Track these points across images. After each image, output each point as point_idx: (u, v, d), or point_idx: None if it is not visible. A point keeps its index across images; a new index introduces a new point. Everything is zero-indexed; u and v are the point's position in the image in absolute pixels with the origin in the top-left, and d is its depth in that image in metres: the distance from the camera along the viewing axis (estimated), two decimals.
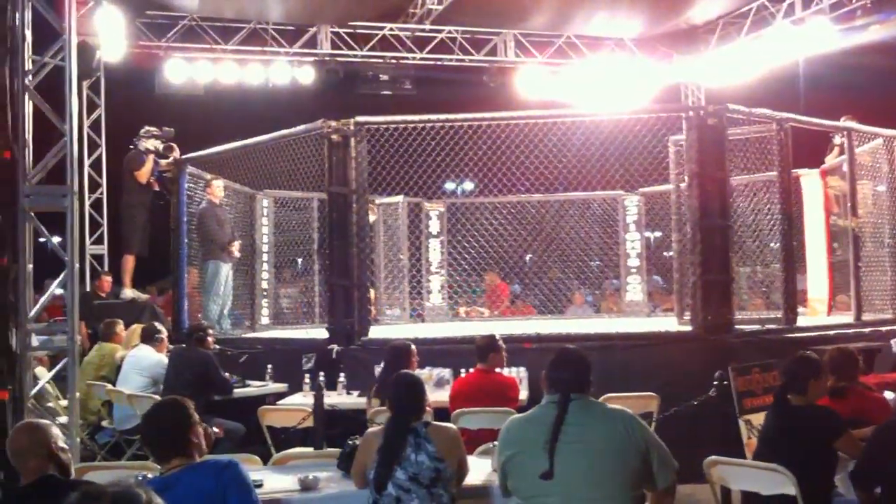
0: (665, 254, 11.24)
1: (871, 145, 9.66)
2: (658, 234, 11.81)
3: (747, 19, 13.42)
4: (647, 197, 11.52)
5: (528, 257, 12.15)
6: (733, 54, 13.71)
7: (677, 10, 13.50)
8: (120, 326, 8.94)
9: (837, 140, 9.76)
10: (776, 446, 4.60)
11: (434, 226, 11.59)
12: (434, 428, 4.17)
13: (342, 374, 7.40)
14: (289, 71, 13.90)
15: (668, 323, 9.12)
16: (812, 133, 9.56)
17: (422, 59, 14.21)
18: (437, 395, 6.57)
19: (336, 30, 13.99)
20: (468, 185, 14.32)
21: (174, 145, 10.70)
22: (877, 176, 9.65)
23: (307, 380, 7.46)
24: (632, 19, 13.91)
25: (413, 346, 6.45)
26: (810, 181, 10.09)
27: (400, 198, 10.89)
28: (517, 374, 6.99)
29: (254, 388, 7.83)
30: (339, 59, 14.07)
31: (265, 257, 10.68)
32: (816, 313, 9.88)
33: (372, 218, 10.39)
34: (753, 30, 13.34)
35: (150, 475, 3.97)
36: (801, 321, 8.47)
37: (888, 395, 6.23)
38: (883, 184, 9.68)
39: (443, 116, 8.80)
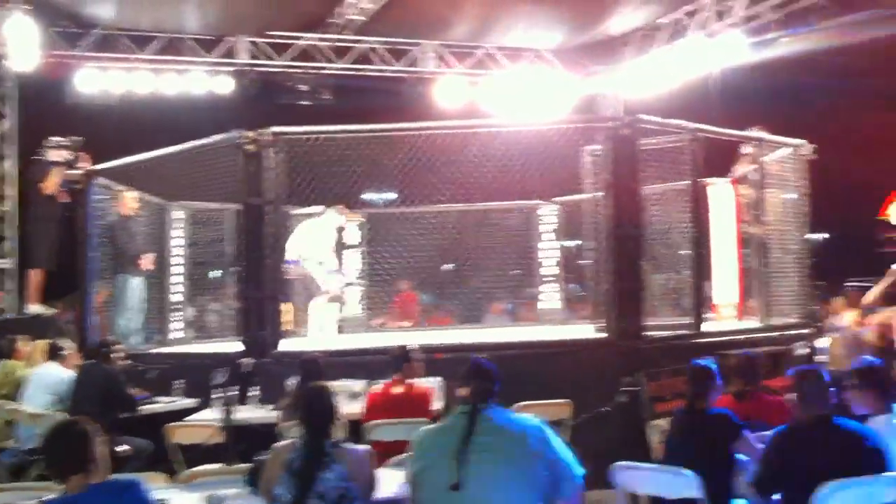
0: (581, 262, 11.37)
1: (779, 155, 9.93)
2: (576, 242, 11.95)
3: (663, 31, 13.68)
4: (563, 206, 11.64)
5: (447, 267, 12.18)
6: (649, 66, 13.96)
7: (594, 21, 13.70)
8: (21, 343, 8.65)
9: (747, 150, 9.99)
10: (680, 450, 4.69)
11: (353, 236, 11.51)
12: (343, 450, 4.10)
13: (255, 388, 7.29)
14: (206, 81, 13.71)
15: (583, 330, 9.22)
16: (725, 143, 9.80)
17: (342, 69, 14.14)
18: (352, 408, 6.50)
19: (255, 39, 13.86)
20: (390, 196, 14.33)
21: (86, 155, 10.42)
22: (784, 184, 9.93)
23: (217, 395, 7.32)
24: (550, 31, 14.09)
25: (324, 359, 6.40)
26: (721, 190, 10.32)
27: (322, 209, 10.79)
28: (432, 384, 6.97)
29: (161, 404, 7.67)
30: (257, 69, 13.93)
31: (177, 270, 10.47)
32: (725, 318, 10.10)
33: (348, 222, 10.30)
34: (669, 42, 13.60)
35: (50, 496, 3.85)
36: (711, 326, 8.66)
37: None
38: (790, 192, 9.96)
39: (362, 126, 8.79)
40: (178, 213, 10.55)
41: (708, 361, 5.07)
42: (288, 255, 9.34)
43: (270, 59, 13.94)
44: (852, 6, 11.31)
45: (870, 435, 4.17)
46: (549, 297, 11.81)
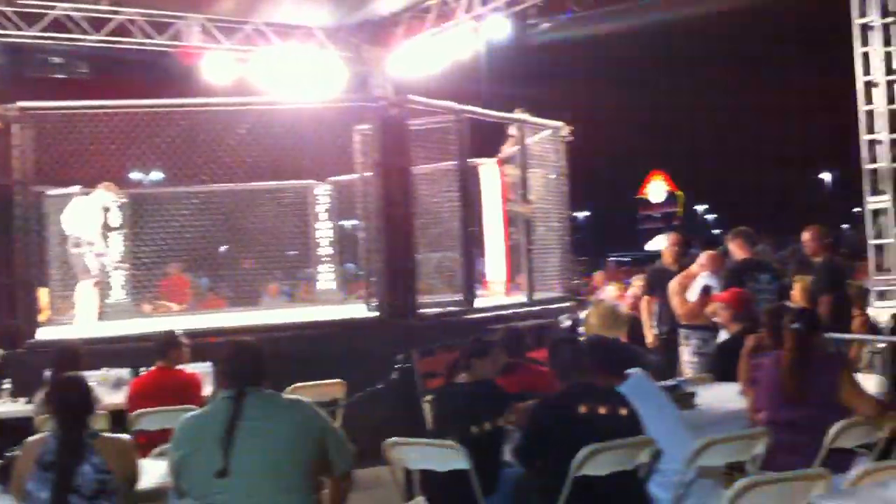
0: (356, 242, 11.40)
1: (541, 136, 10.37)
2: (352, 222, 11.97)
3: (431, 13, 13.88)
4: (337, 186, 11.61)
5: (221, 249, 11.85)
6: (419, 47, 14.14)
7: (364, 1, 13.70)
8: None
9: (512, 131, 10.35)
10: (448, 423, 4.80)
11: (114, 218, 10.93)
12: (102, 439, 3.92)
13: (6, 381, 6.81)
14: None
15: (358, 310, 9.26)
16: (492, 124, 10.11)
17: (99, 41, 13.33)
18: (115, 398, 6.26)
19: (1, 8, 12.80)
20: (157, 175, 13.74)
21: None
22: (546, 165, 10.38)
23: None
24: (321, 8, 13.95)
25: (82, 347, 6.07)
26: (489, 170, 10.64)
27: (75, 188, 10.18)
28: (202, 370, 6.76)
29: None
30: (4, 38, 12.89)
31: None
32: (496, 294, 10.46)
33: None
34: (437, 23, 13.81)
35: None
36: (480, 302, 8.93)
37: None
38: (552, 172, 10.43)
39: (120, 102, 8.38)
40: None
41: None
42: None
43: (20, 28, 12.93)
44: None
45: (623, 401, 4.42)
46: (326, 277, 11.77)
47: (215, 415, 3.59)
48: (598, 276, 13.96)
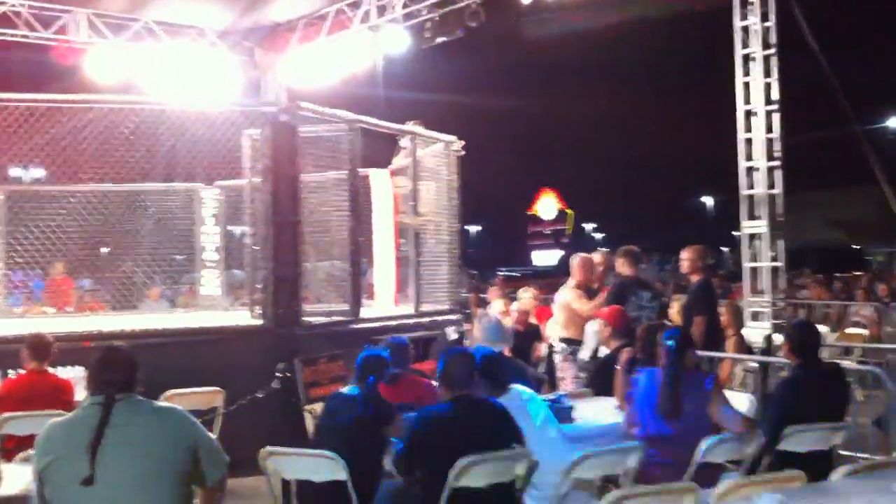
0: (243, 248, 11.21)
1: (433, 149, 10.42)
2: (243, 228, 11.75)
3: (327, 21, 13.80)
4: (226, 190, 11.39)
5: (102, 250, 11.47)
6: (314, 55, 14.04)
7: (259, 6, 13.52)
8: None
9: (404, 143, 10.36)
10: (329, 433, 4.77)
11: None
12: None
13: None
14: None
15: (242, 317, 9.10)
16: (384, 134, 10.09)
17: None
18: None
19: None
20: (38, 172, 13.21)
21: None
22: (438, 178, 10.43)
23: None
24: (213, 9, 13.68)
25: None
26: (380, 180, 10.62)
27: None
28: (75, 374, 6.54)
29: None
30: None
31: None
32: (384, 305, 10.43)
33: None
34: (333, 32, 13.74)
35: None
36: (368, 313, 8.91)
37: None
38: (443, 185, 10.48)
39: (1, 95, 8.07)
40: None
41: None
42: None
43: None
44: (501, 13, 12.09)
45: (504, 412, 4.47)
46: (211, 283, 11.53)
47: (83, 421, 3.47)
48: (491, 291, 14.08)
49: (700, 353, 6.40)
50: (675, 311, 8.75)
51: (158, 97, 11.69)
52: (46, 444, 3.52)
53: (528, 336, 9.45)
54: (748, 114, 10.74)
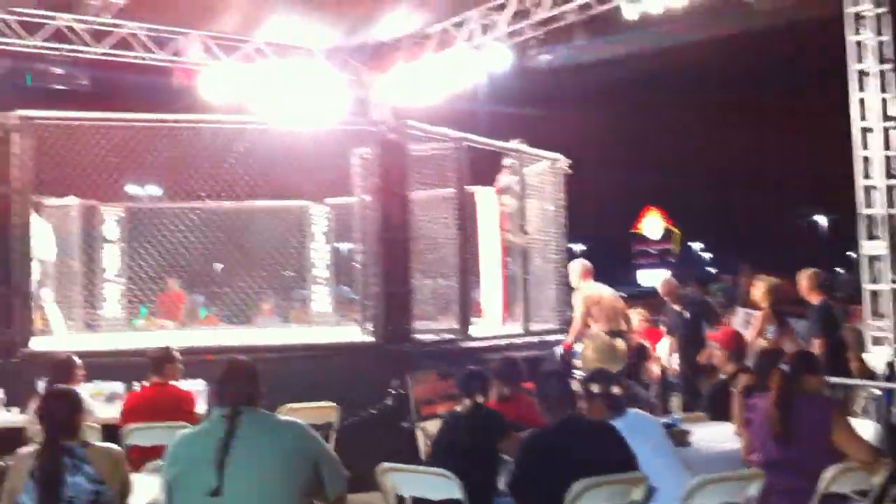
0: (352, 264, 11.37)
1: (538, 167, 10.39)
2: (350, 245, 11.94)
3: (432, 40, 13.94)
4: (335, 208, 11.60)
5: (217, 266, 11.82)
6: (418, 73, 14.18)
7: (365, 25, 13.74)
8: None
9: (508, 162, 10.36)
10: (447, 451, 4.78)
11: (111, 231, 10.91)
12: (94, 449, 3.90)
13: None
14: None
15: (352, 333, 9.22)
16: (491, 153, 10.12)
17: (103, 53, 13.32)
18: (108, 412, 6.25)
19: (3, 17, 12.78)
20: (155, 190, 13.71)
21: None
22: (544, 196, 10.39)
23: None
24: (321, 30, 13.98)
25: (76, 360, 6.04)
26: (486, 198, 10.65)
27: (72, 200, 10.17)
28: (196, 387, 6.73)
29: None
30: (5, 47, 12.85)
31: None
32: (491, 323, 10.43)
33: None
34: (437, 51, 13.86)
35: None
36: (475, 331, 8.91)
37: None
38: (549, 203, 10.44)
39: (121, 115, 8.39)
40: None
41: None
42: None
43: (20, 37, 12.89)
44: (607, 28, 12.00)
45: (616, 434, 4.40)
46: (321, 298, 11.73)
47: (210, 433, 3.57)
48: None
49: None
50: (759, 293, 8.51)
51: (268, 117, 11.99)
52: (175, 456, 3.63)
53: (636, 357, 9.31)
54: (864, 131, 10.37)
